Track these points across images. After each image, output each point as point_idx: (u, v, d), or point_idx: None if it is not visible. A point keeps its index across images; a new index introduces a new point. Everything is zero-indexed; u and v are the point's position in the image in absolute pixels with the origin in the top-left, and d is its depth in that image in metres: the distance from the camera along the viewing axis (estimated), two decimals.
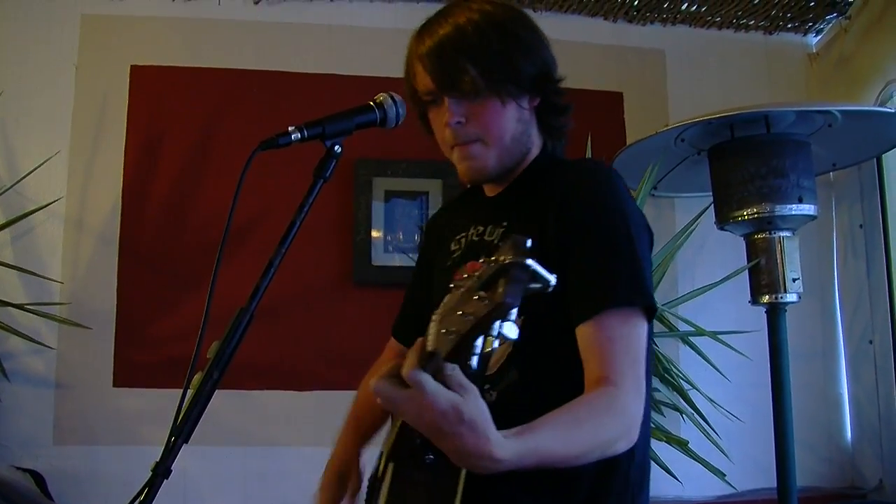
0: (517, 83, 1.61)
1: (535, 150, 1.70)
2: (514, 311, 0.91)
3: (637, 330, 1.45)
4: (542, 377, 1.47)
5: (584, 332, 1.44)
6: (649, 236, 1.61)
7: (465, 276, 0.98)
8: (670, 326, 3.21)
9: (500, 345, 0.94)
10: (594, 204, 1.53)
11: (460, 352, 0.99)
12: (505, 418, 1.16)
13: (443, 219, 1.95)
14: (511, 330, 0.91)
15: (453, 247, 1.77)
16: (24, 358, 3.12)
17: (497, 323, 0.92)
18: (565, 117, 1.72)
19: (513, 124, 1.62)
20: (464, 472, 1.27)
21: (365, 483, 1.82)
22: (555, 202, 1.55)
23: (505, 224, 1.65)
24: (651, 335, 1.55)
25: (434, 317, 1.04)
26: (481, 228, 1.71)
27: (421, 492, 1.36)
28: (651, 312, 1.49)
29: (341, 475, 1.84)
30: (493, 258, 0.94)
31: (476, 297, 0.93)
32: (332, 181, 1.49)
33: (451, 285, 1.01)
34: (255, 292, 1.36)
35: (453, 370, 1.05)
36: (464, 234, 1.76)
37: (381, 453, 1.75)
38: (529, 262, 0.89)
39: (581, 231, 1.50)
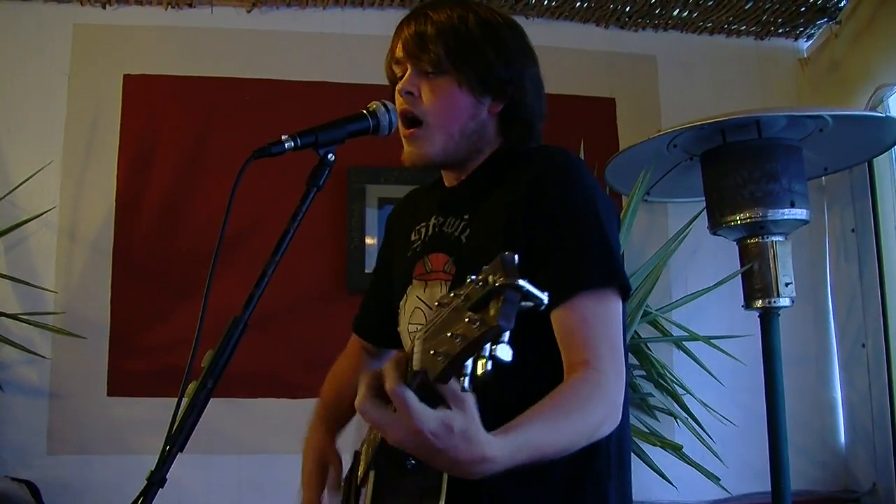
0: (481, 77, 1.60)
1: (489, 151, 1.68)
2: (507, 334, 0.89)
3: (612, 309, 1.46)
4: (519, 367, 1.47)
5: (559, 317, 1.44)
6: (617, 220, 1.62)
7: (452, 294, 0.96)
8: (664, 331, 3.22)
9: (493, 367, 0.90)
10: (562, 190, 1.53)
11: (450, 374, 0.97)
12: (483, 412, 1.14)
13: (403, 210, 1.94)
14: (505, 352, 0.89)
15: (413, 237, 1.77)
16: (17, 367, 3.12)
17: (488, 345, 0.90)
18: (526, 133, 1.69)
19: (465, 116, 1.62)
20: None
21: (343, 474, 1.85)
22: (522, 190, 1.54)
23: (466, 217, 1.65)
24: (625, 314, 1.55)
25: (418, 335, 1.03)
26: (441, 219, 1.71)
27: (405, 496, 1.36)
28: (625, 291, 1.49)
29: (322, 464, 1.86)
30: (480, 277, 0.91)
31: (466, 319, 0.90)
32: (325, 189, 1.49)
33: (437, 303, 0.99)
34: (248, 301, 1.36)
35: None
36: (423, 223, 1.76)
37: (357, 453, 1.77)
38: (522, 282, 0.87)
39: (551, 217, 1.50)
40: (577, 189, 1.53)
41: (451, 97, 1.60)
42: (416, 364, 1.01)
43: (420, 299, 1.67)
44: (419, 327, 1.62)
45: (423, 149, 1.62)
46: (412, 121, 1.62)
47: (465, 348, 0.91)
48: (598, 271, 1.46)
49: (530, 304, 0.88)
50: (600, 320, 1.43)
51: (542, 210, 1.51)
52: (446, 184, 1.76)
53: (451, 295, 0.95)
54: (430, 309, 1.63)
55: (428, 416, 1.06)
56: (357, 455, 1.82)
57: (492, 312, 0.88)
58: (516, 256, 0.89)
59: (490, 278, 0.89)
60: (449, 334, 0.92)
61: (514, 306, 0.87)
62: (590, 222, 1.50)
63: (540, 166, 1.57)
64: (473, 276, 0.93)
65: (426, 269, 1.68)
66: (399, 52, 1.64)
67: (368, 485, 1.44)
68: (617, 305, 1.47)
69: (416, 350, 1.01)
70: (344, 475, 1.85)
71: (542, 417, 1.26)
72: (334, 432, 1.93)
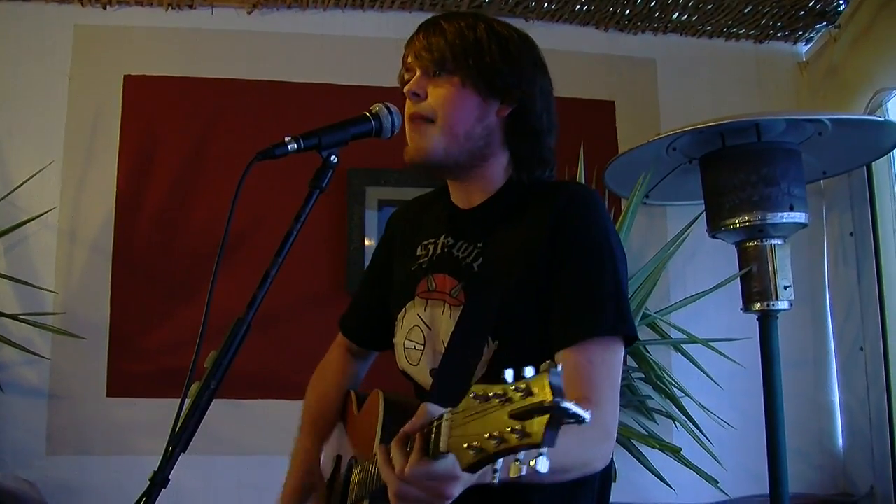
0: (486, 77, 1.60)
1: (496, 165, 1.67)
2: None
3: (616, 356, 1.50)
4: None
5: (567, 356, 1.47)
6: (626, 265, 1.63)
7: (491, 393, 0.95)
8: (662, 334, 3.22)
9: (527, 473, 0.91)
10: (584, 234, 1.55)
11: (479, 468, 0.98)
12: None
13: (408, 217, 1.90)
14: (544, 465, 0.89)
15: (419, 251, 1.75)
16: (17, 368, 3.12)
17: (523, 453, 0.91)
18: (532, 144, 1.67)
19: (471, 117, 1.61)
20: None
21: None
22: (545, 229, 1.55)
23: (480, 245, 1.64)
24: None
25: (446, 416, 1.04)
26: (451, 240, 1.70)
27: None
28: (630, 341, 1.53)
29: (305, 485, 1.90)
30: (523, 385, 0.91)
31: (508, 429, 0.91)
32: (325, 190, 1.49)
33: (471, 394, 0.98)
34: (251, 302, 1.36)
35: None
36: (432, 240, 1.74)
37: (339, 458, 1.78)
38: (568, 405, 0.88)
39: (569, 260, 1.53)
40: (598, 235, 1.56)
41: (455, 96, 1.59)
42: (443, 446, 1.03)
43: (420, 318, 1.67)
44: (414, 344, 1.66)
45: (428, 144, 1.60)
46: (422, 121, 1.61)
47: (501, 451, 0.93)
48: (609, 320, 1.49)
49: (571, 421, 0.89)
50: (605, 364, 1.47)
51: (562, 251, 1.53)
52: (457, 203, 1.73)
53: (491, 393, 0.95)
54: (430, 329, 1.65)
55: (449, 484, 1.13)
56: (339, 460, 1.82)
57: (536, 428, 0.89)
58: (560, 368, 0.91)
59: (535, 390, 0.90)
60: (486, 434, 0.93)
61: (559, 425, 0.89)
62: (606, 270, 1.53)
63: (565, 206, 1.58)
64: (512, 377, 0.93)
65: (429, 288, 1.68)
66: (409, 59, 1.65)
67: None
68: (620, 352, 1.51)
69: (443, 431, 1.04)
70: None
71: None
72: (320, 445, 1.96)
